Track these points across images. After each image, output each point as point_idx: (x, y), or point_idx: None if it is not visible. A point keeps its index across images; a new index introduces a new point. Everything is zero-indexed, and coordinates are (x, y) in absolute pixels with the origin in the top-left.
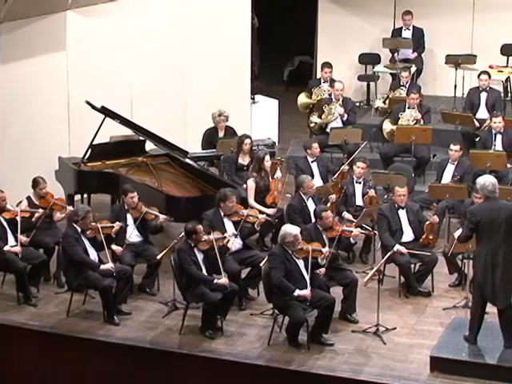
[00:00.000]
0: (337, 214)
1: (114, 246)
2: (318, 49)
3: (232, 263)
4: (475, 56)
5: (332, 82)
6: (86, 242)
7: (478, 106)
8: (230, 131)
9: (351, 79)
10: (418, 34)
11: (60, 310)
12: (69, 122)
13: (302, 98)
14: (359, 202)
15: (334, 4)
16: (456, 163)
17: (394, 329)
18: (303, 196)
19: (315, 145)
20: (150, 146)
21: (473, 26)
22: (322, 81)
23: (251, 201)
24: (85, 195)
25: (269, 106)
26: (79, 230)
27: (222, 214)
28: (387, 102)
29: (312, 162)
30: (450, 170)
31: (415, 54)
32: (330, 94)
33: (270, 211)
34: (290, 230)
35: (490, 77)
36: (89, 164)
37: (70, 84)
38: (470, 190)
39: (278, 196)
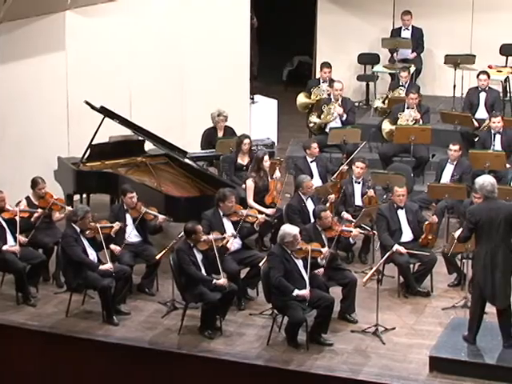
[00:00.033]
0: (336, 214)
1: (112, 246)
2: (317, 49)
3: (231, 263)
4: (474, 56)
5: (331, 81)
6: (85, 242)
7: (477, 106)
8: (229, 131)
9: (350, 79)
10: (417, 34)
11: (59, 310)
12: (68, 121)
13: (301, 98)
14: (358, 201)
15: (334, 4)
16: (455, 163)
17: (393, 329)
18: (302, 196)
19: (314, 145)
20: (149, 145)
21: (472, 26)
22: (321, 81)
23: (250, 201)
24: (84, 195)
25: (268, 106)
26: (78, 230)
27: (221, 213)
28: (386, 101)
29: (311, 161)
30: (449, 169)
31: (414, 53)
32: (329, 94)
33: (269, 211)
34: (289, 229)
35: (489, 77)
36: (88, 164)
37: (69, 84)
38: (469, 190)
39: (277, 196)
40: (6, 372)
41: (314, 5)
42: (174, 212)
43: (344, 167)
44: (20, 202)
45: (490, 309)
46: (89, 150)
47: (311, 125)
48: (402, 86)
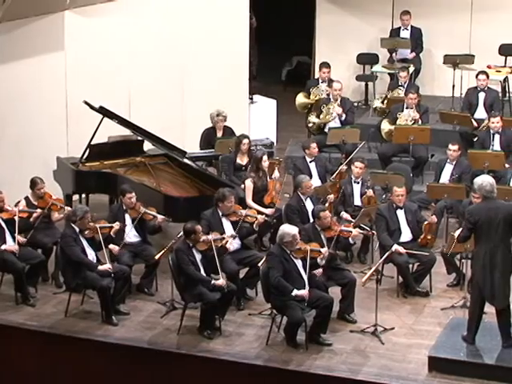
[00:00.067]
0: (335, 214)
1: (111, 246)
2: (316, 49)
3: (230, 263)
4: (473, 56)
5: (330, 81)
6: (84, 242)
7: (476, 106)
8: (228, 131)
9: (349, 79)
10: (416, 34)
11: (58, 310)
12: (67, 122)
13: (300, 98)
14: (357, 201)
15: (332, 4)
16: (454, 163)
17: (392, 329)
18: (301, 196)
19: (313, 145)
20: (148, 146)
21: (471, 26)
22: (320, 81)
23: (249, 201)
24: (83, 195)
25: (267, 106)
26: (77, 230)
27: (221, 213)
28: (385, 101)
29: (310, 161)
30: (448, 169)
31: (413, 53)
32: (328, 94)
33: (268, 211)
34: (288, 229)
35: (488, 77)
36: (87, 164)
37: (69, 84)
38: (468, 190)
39: (276, 196)
40: (5, 372)
41: (313, 5)
42: (173, 212)
43: (343, 167)
44: (19, 202)
45: (489, 309)
46: (88, 150)
47: (310, 125)
48: (401, 85)
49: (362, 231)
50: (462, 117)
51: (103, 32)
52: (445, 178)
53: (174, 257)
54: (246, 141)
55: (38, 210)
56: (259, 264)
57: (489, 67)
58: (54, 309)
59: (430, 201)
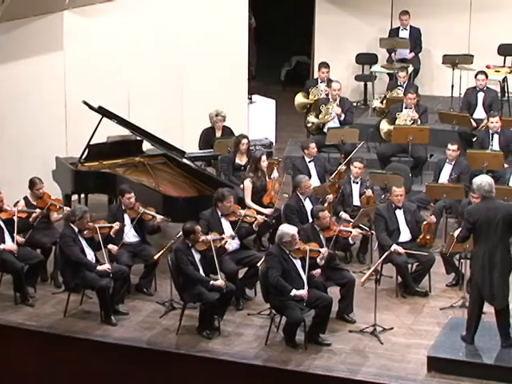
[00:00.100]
0: (334, 214)
1: (110, 246)
2: (316, 49)
3: (229, 263)
4: (472, 56)
5: (329, 81)
6: (84, 242)
7: (475, 106)
8: (227, 131)
9: (348, 79)
10: (415, 34)
11: (57, 310)
12: (66, 121)
13: (299, 98)
14: (356, 202)
15: (331, 4)
16: (453, 163)
17: (392, 329)
18: (300, 196)
19: (312, 145)
20: (147, 146)
21: (470, 26)
22: (319, 81)
23: (248, 201)
24: (82, 195)
25: (266, 106)
26: (76, 230)
27: (220, 213)
28: (384, 101)
29: (309, 161)
30: (447, 169)
31: (412, 53)
32: (327, 94)
33: (267, 211)
34: (287, 229)
35: (487, 77)
36: (86, 164)
37: (68, 84)
38: (467, 190)
39: (275, 196)
40: (4, 372)
41: (312, 5)
42: (172, 212)
43: (342, 167)
44: (18, 202)
45: (488, 309)
46: (87, 150)
47: (309, 125)
48: (400, 85)
49: (361, 231)
50: (460, 117)
51: (102, 32)
52: (444, 178)
53: (173, 257)
54: (245, 141)
55: (37, 210)
56: (258, 264)
57: (488, 67)
58: (53, 309)
59: (429, 201)
